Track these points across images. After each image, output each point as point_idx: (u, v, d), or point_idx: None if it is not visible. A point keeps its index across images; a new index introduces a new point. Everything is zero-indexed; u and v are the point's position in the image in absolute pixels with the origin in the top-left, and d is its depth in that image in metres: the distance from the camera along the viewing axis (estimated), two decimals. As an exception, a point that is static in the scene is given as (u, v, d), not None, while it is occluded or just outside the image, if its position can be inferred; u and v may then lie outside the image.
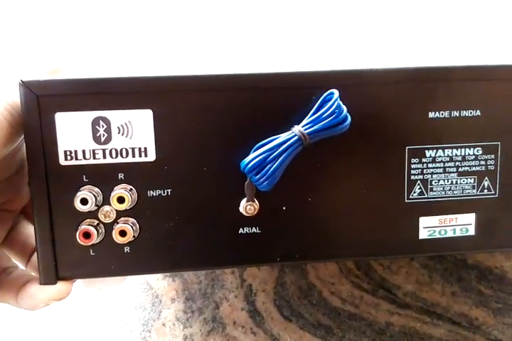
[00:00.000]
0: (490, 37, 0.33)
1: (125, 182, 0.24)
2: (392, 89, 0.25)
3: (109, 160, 0.24)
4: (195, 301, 0.42)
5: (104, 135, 0.24)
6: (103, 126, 0.24)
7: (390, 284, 0.43)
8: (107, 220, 0.24)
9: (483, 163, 0.26)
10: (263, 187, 0.23)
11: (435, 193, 0.27)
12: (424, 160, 0.26)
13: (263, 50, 0.30)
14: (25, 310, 0.26)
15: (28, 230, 0.30)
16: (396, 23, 0.37)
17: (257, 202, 0.25)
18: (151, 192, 0.25)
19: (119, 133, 0.24)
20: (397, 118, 0.26)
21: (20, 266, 0.30)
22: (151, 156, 0.24)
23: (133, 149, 0.24)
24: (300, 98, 0.25)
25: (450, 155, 0.26)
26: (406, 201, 0.27)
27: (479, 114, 0.26)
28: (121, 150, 0.24)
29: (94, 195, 0.24)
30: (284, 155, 0.23)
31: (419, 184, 0.26)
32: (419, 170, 0.26)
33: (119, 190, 0.24)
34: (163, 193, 0.25)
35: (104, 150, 0.24)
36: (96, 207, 0.24)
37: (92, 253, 0.25)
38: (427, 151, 0.26)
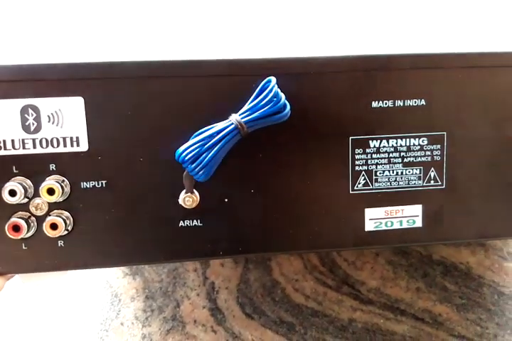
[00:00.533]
0: (436, 24, 0.32)
1: (57, 174, 0.23)
2: (333, 77, 0.25)
3: (39, 150, 0.23)
4: (156, 300, 0.41)
5: (33, 124, 0.23)
6: (32, 115, 0.23)
7: (354, 280, 0.43)
8: (39, 213, 0.24)
9: (428, 153, 0.26)
10: (199, 177, 0.22)
11: (380, 184, 0.26)
12: (368, 150, 0.26)
13: (203, 36, 0.29)
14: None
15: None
16: (342, 9, 0.36)
17: (197, 193, 0.24)
18: (85, 183, 0.24)
19: (49, 121, 0.23)
20: (340, 107, 0.25)
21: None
22: (84, 146, 0.24)
23: (64, 139, 0.23)
24: (241, 86, 0.24)
25: (395, 145, 0.26)
26: (351, 192, 0.26)
27: (424, 103, 0.26)
28: (51, 139, 0.23)
29: (24, 187, 0.23)
30: (220, 144, 0.22)
31: (363, 175, 0.26)
32: (364, 160, 0.26)
33: (48, 182, 0.23)
34: (98, 185, 0.24)
35: (34, 140, 0.23)
36: (27, 199, 0.23)
37: (24, 248, 0.24)
38: (370, 142, 0.26)
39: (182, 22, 0.32)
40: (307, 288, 0.43)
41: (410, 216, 0.27)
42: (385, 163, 0.26)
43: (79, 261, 0.25)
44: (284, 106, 0.23)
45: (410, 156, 0.26)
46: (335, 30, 0.31)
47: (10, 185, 0.23)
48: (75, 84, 0.23)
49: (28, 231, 0.23)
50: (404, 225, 0.27)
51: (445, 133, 0.26)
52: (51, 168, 0.23)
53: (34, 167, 0.23)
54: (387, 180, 0.26)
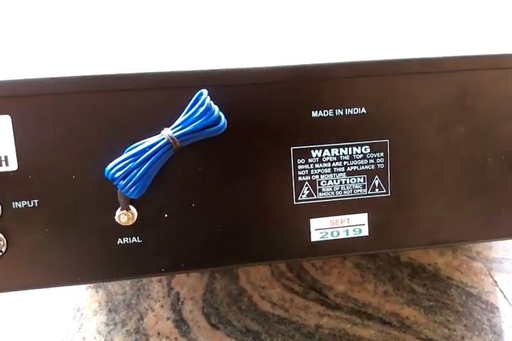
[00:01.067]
0: (374, 30, 0.32)
1: (-14, 194, 0.23)
2: (271, 88, 0.24)
3: (-34, 170, 0.23)
4: (119, 313, 0.41)
5: (-42, 144, 0.22)
6: (-43, 134, 0.22)
7: (322, 285, 0.43)
8: (-30, 235, 0.23)
9: (372, 161, 0.26)
10: (131, 193, 0.22)
11: (324, 194, 0.26)
12: (310, 160, 0.25)
13: (134, 49, 0.29)
14: None
15: None
16: (277, 18, 0.36)
17: (133, 210, 0.24)
18: (16, 203, 0.23)
19: (-26, 141, 0.22)
20: (280, 118, 0.25)
21: None
22: (13, 165, 0.23)
23: (-9, 158, 0.23)
24: (176, 99, 0.24)
25: (337, 154, 0.26)
26: (295, 203, 0.26)
27: (365, 111, 0.25)
28: (-22, 159, 0.22)
29: (-48, 209, 0.22)
30: (152, 159, 0.22)
31: (307, 185, 0.26)
32: (306, 170, 0.25)
33: (-25, 203, 0.22)
34: (30, 204, 0.23)
35: (-41, 160, 0.22)
36: (-43, 222, 0.23)
37: (-43, 270, 0.23)
38: (312, 151, 0.25)
39: (111, 35, 0.32)
40: (274, 295, 0.42)
41: (356, 225, 0.26)
42: (328, 173, 0.26)
43: (14, 283, 0.24)
44: (218, 118, 0.23)
45: (353, 165, 0.26)
46: (271, 40, 0.31)
47: None
48: (1, 102, 0.22)
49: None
50: (351, 234, 0.26)
51: (388, 140, 0.26)
52: (-21, 188, 0.23)
53: (-38, 188, 0.23)
54: (331, 189, 0.26)
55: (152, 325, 0.40)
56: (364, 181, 0.26)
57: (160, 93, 0.23)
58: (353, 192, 0.26)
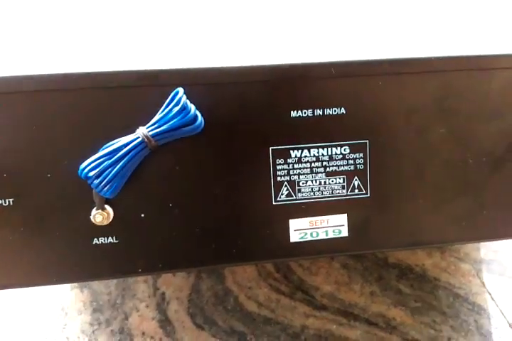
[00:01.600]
0: (354, 30, 0.32)
1: (-40, 193, 0.23)
2: (249, 87, 0.24)
3: None
4: (103, 312, 0.40)
5: None
6: None
7: (309, 285, 0.43)
8: None
9: (351, 162, 0.26)
10: (105, 193, 0.22)
11: (304, 194, 0.26)
12: (289, 160, 0.25)
13: (110, 47, 0.29)
14: None
15: None
16: (257, 17, 0.35)
17: (109, 209, 0.24)
18: (-10, 202, 0.23)
19: None
20: (258, 117, 0.25)
21: None
22: (-13, 164, 0.23)
23: (-36, 156, 0.22)
24: (153, 97, 0.23)
25: (316, 155, 0.25)
26: (274, 203, 0.25)
27: (344, 111, 0.25)
28: (-49, 158, 0.22)
29: None
30: (126, 158, 0.21)
31: (286, 185, 0.25)
32: (285, 171, 0.25)
33: None
34: (5, 203, 0.23)
35: None
36: None
37: None
38: (291, 151, 0.25)
39: (86, 32, 0.32)
40: (260, 295, 0.42)
41: (336, 225, 0.26)
42: (307, 173, 0.25)
43: (-12, 283, 0.24)
44: (195, 118, 0.22)
45: (333, 165, 0.26)
46: (250, 39, 0.30)
47: None
48: (-27, 99, 0.22)
49: None
50: (330, 235, 0.26)
51: (367, 141, 0.26)
52: (-47, 187, 0.22)
53: None
54: (310, 190, 0.26)
55: (137, 325, 0.40)
56: (343, 182, 0.26)
57: (137, 91, 0.23)
58: (332, 193, 0.26)
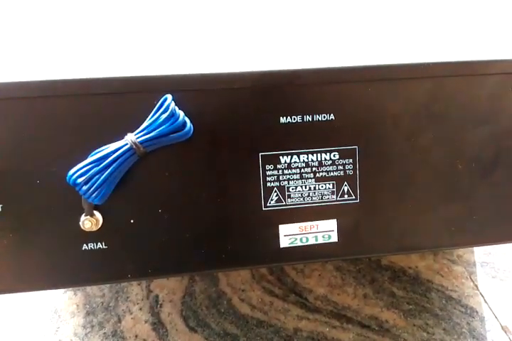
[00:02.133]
0: (343, 37, 0.32)
1: None
2: (239, 93, 0.24)
3: None
4: (96, 315, 0.40)
5: None
6: None
7: (302, 288, 0.43)
8: None
9: (341, 167, 0.26)
10: (93, 200, 0.22)
11: (293, 200, 0.26)
12: (279, 166, 0.25)
13: (100, 53, 0.29)
14: None
15: None
16: (246, 23, 0.35)
17: (98, 216, 0.24)
18: (-21, 208, 0.23)
19: None
20: (248, 123, 0.25)
21: None
22: (-25, 170, 0.23)
23: (-48, 163, 0.22)
24: (142, 104, 0.23)
25: (306, 160, 0.25)
26: (263, 209, 0.26)
27: (333, 118, 0.25)
28: None
29: None
30: (114, 165, 0.21)
31: (276, 191, 0.25)
32: (275, 176, 0.25)
33: None
34: (-7, 209, 0.23)
35: None
36: None
37: None
38: (281, 157, 0.25)
39: (76, 39, 0.31)
40: (254, 298, 0.42)
41: (325, 231, 0.26)
42: (297, 179, 0.26)
43: (-23, 289, 0.24)
44: (183, 124, 0.22)
45: (322, 171, 0.26)
46: (239, 45, 0.30)
47: None
48: (-39, 106, 0.22)
49: None
50: (320, 240, 0.26)
51: (357, 147, 0.26)
52: None
53: None
54: (300, 195, 0.26)
55: (130, 327, 0.40)
56: (333, 187, 0.26)
57: (125, 98, 0.23)
58: (321, 199, 0.26)
